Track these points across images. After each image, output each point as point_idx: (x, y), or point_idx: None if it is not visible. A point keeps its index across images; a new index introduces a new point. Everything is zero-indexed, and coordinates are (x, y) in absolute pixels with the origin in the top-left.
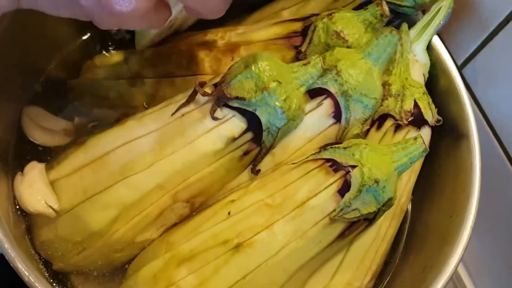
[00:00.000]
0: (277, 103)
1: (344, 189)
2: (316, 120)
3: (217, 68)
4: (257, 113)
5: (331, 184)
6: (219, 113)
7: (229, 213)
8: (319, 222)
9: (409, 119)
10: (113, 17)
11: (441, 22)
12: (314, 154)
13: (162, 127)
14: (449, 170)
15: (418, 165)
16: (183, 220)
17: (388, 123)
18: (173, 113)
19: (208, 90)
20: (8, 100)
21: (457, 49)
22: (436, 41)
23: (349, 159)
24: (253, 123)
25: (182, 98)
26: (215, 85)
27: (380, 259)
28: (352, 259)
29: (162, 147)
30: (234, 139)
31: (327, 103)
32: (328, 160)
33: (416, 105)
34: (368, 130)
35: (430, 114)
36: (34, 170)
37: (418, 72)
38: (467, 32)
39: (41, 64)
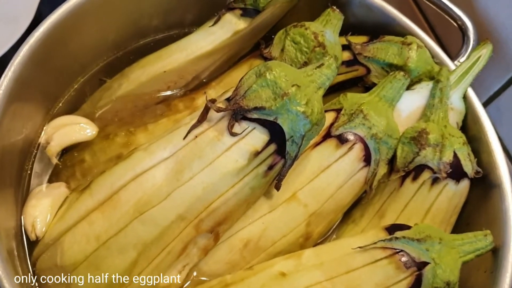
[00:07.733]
0: (299, 108)
1: None
2: (348, 165)
3: (190, 104)
4: (279, 121)
5: (401, 280)
6: (237, 127)
7: None
8: None
9: (448, 171)
10: None
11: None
12: (384, 241)
13: (175, 153)
14: (480, 221)
15: (454, 218)
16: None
17: (426, 175)
18: (185, 136)
19: (221, 105)
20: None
21: (480, 87)
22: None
23: (422, 254)
24: (274, 133)
25: (190, 120)
26: (228, 99)
27: None
28: None
29: (179, 174)
30: (257, 153)
31: (358, 147)
32: (398, 251)
33: (455, 156)
34: (403, 180)
35: (469, 166)
36: (56, 190)
37: (452, 120)
38: (491, 71)
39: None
